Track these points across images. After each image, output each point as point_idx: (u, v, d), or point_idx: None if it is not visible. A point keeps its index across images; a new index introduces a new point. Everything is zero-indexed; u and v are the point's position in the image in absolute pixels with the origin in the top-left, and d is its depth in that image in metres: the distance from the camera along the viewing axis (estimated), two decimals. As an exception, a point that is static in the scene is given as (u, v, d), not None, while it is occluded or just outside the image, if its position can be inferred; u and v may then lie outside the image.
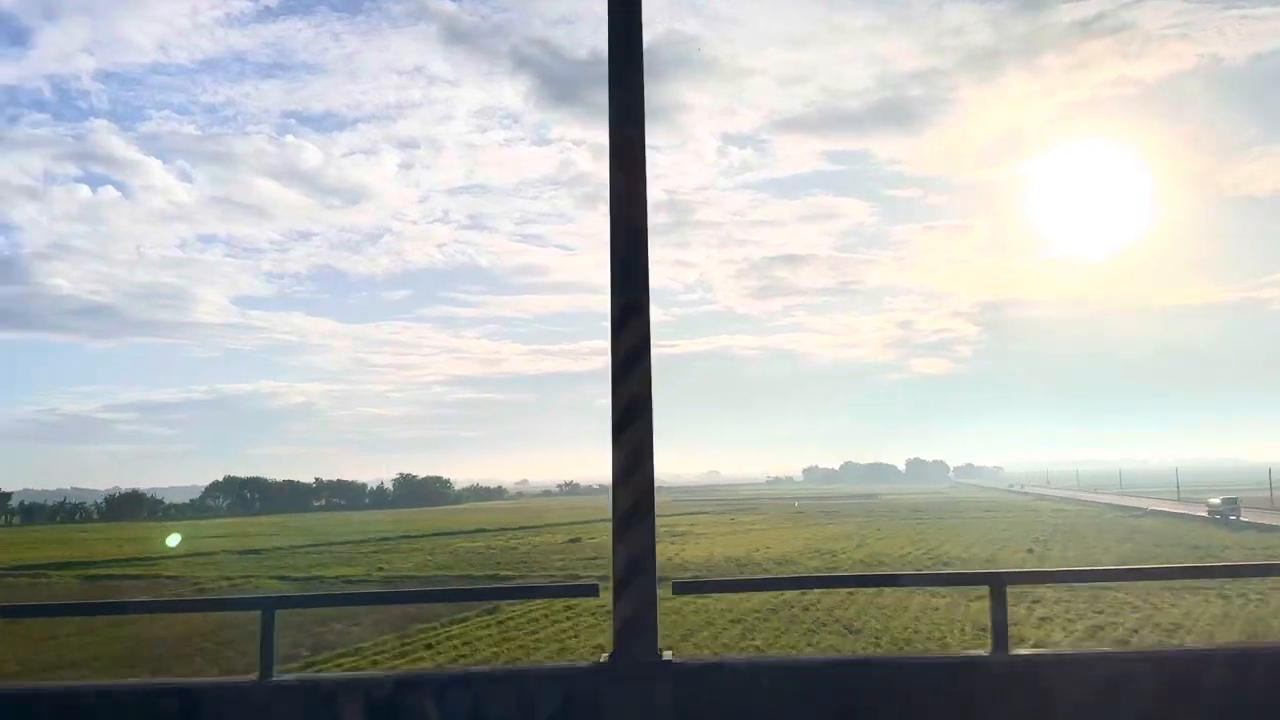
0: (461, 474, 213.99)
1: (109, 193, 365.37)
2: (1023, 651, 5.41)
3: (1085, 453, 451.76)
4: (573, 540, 76.48)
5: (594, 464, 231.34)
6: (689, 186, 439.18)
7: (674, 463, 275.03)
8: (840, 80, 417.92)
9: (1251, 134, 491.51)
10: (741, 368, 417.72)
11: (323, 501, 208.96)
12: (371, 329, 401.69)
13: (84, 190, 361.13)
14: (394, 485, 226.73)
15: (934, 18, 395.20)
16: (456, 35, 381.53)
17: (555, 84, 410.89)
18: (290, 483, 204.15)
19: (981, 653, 5.35)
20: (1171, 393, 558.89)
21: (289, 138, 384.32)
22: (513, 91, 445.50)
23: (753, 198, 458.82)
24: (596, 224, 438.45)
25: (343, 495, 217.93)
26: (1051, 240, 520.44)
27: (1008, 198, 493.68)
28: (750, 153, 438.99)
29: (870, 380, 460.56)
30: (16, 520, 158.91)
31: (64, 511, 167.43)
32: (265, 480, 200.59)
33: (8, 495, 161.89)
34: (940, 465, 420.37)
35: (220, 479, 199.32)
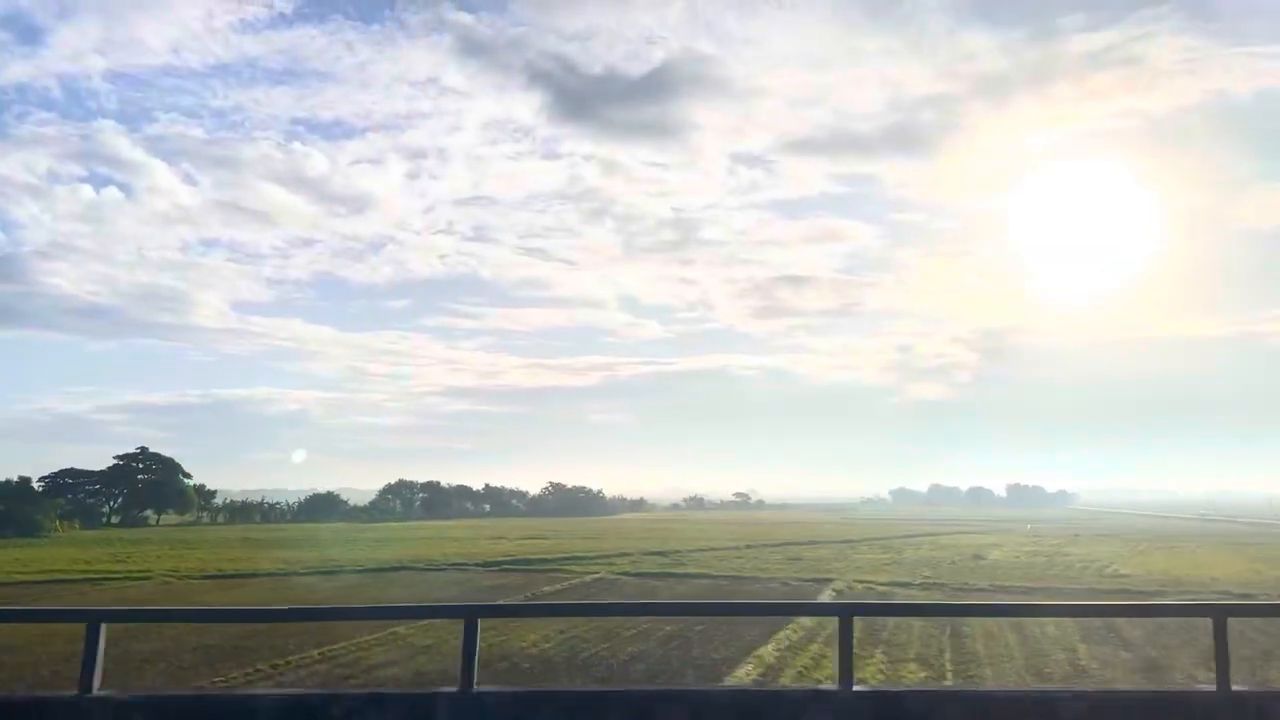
0: (453, 483, 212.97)
1: (112, 193, 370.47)
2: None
3: (1082, 482, 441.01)
4: (977, 557, 69.67)
5: (655, 480, 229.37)
6: (696, 205, 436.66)
7: (711, 482, 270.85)
8: (852, 103, 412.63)
9: (1255, 169, 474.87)
10: (739, 386, 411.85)
11: (486, 506, 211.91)
12: (370, 338, 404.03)
13: (87, 190, 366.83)
14: (544, 493, 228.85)
15: (948, 43, 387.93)
16: (472, 48, 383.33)
17: (568, 99, 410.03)
18: (462, 487, 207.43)
19: None
20: (1167, 423, 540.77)
21: (296, 144, 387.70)
22: (525, 105, 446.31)
23: (759, 217, 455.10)
24: (601, 239, 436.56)
25: (490, 501, 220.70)
26: (1053, 268, 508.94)
27: (1012, 225, 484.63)
28: (759, 173, 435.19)
29: (870, 402, 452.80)
30: (221, 519, 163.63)
31: (262, 511, 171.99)
32: (439, 485, 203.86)
33: (212, 493, 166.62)
34: (1039, 490, 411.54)
35: (393, 481, 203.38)
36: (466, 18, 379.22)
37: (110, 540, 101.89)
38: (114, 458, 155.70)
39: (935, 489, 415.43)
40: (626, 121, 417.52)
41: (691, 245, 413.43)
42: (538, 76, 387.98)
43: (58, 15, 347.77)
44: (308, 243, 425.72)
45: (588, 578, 48.26)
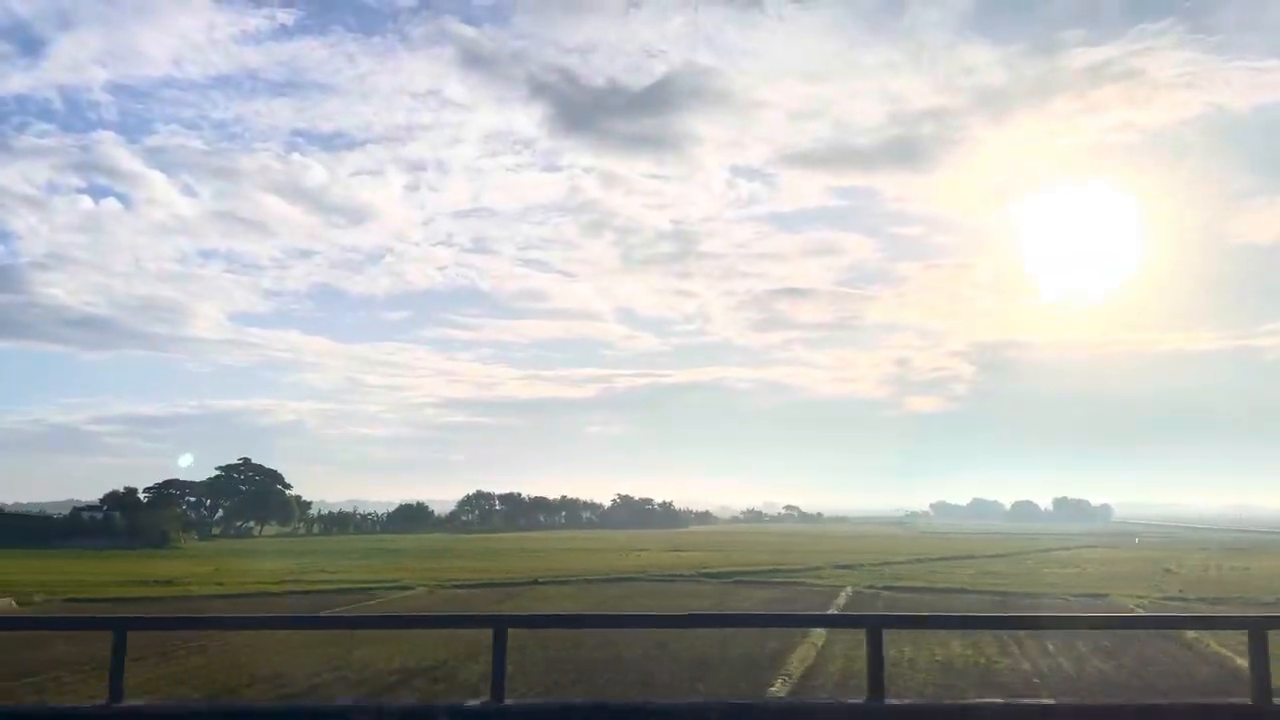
0: (449, 495, 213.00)
1: (111, 205, 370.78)
2: None
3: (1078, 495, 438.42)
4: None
5: (653, 493, 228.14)
6: (695, 217, 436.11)
7: (712, 495, 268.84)
8: (852, 116, 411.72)
9: (1254, 183, 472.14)
10: (735, 399, 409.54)
11: (561, 517, 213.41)
12: (368, 349, 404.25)
13: (86, 201, 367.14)
14: (613, 504, 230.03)
15: (948, 57, 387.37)
16: (474, 60, 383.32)
17: (569, 112, 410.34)
18: (540, 499, 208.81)
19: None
20: (1164, 438, 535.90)
21: (296, 156, 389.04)
22: (526, 118, 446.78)
23: (758, 230, 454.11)
24: (600, 251, 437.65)
25: (564, 511, 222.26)
26: (1051, 282, 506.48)
27: (1011, 238, 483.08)
28: (759, 185, 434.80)
29: (867, 416, 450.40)
30: (316, 530, 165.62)
31: (354, 522, 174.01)
32: (519, 496, 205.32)
33: (308, 504, 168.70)
34: (1084, 504, 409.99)
35: (472, 493, 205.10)
36: (469, 30, 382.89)
37: (260, 551, 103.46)
38: (216, 468, 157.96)
39: (978, 502, 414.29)
40: (627, 134, 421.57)
41: (690, 258, 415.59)
42: (539, 89, 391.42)
43: (59, 26, 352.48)
44: (306, 254, 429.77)
45: (847, 590, 49.17)
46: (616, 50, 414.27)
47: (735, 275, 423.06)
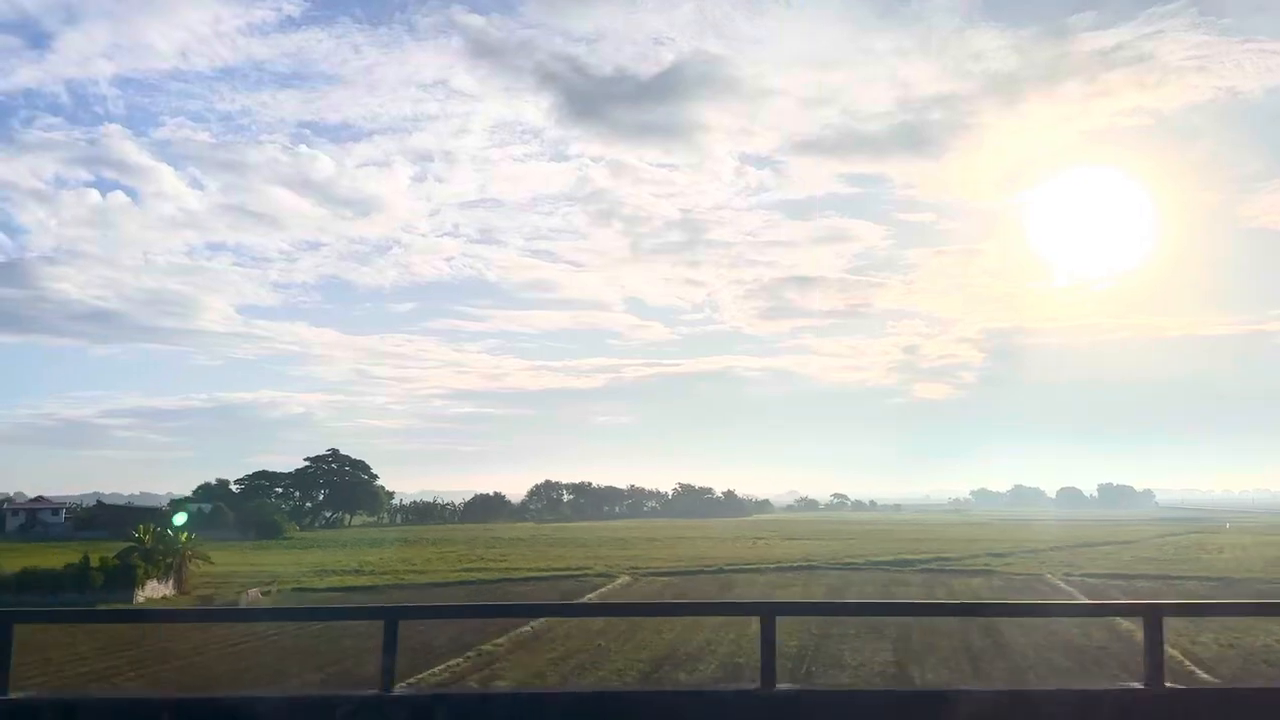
0: (459, 486, 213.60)
1: (119, 198, 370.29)
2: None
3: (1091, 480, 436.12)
4: None
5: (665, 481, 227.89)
6: (704, 206, 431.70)
7: (753, 479, 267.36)
8: (861, 103, 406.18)
9: (1266, 166, 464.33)
10: (743, 388, 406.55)
11: (622, 507, 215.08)
12: (375, 340, 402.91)
13: (94, 195, 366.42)
14: (674, 493, 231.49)
15: (958, 42, 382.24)
16: (482, 49, 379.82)
17: (578, 100, 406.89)
18: (611, 488, 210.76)
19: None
20: (1179, 423, 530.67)
21: (303, 148, 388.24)
22: (534, 107, 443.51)
23: (767, 218, 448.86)
24: (608, 241, 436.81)
25: (628, 500, 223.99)
26: (1062, 268, 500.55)
27: (1021, 224, 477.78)
28: (768, 173, 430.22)
29: (876, 404, 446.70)
30: (399, 520, 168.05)
31: (433, 512, 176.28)
32: (590, 486, 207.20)
33: (391, 494, 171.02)
34: (1128, 490, 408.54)
35: (542, 482, 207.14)
36: (477, 19, 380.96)
37: (386, 540, 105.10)
38: (304, 459, 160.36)
39: (1019, 489, 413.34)
40: (635, 123, 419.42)
41: (699, 246, 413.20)
42: (547, 78, 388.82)
43: (65, 20, 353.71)
44: (314, 246, 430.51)
45: (1055, 578, 50.26)
46: (624, 38, 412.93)
47: (744, 263, 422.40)
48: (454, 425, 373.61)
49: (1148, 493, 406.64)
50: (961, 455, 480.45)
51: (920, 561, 62.06)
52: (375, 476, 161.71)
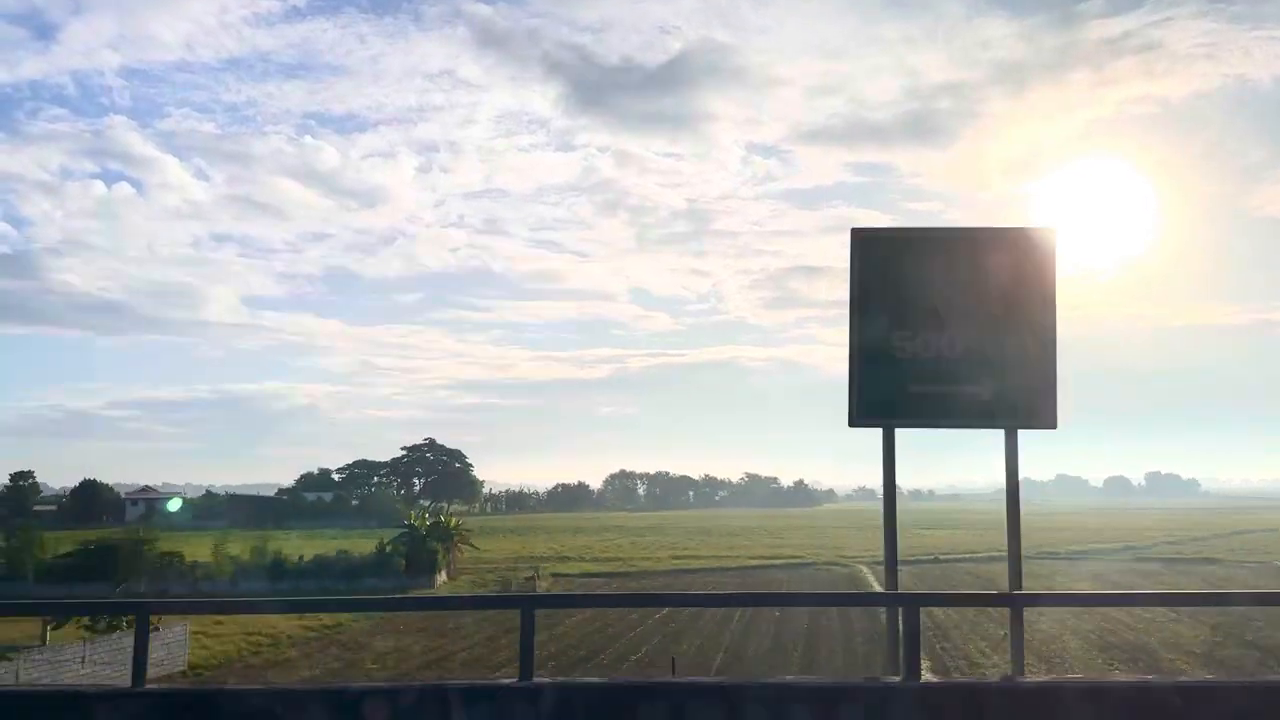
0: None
1: (124, 189, 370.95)
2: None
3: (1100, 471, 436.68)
4: None
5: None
6: (710, 195, 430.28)
7: (770, 468, 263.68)
8: (869, 91, 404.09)
9: (1273, 155, 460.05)
10: (748, 378, 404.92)
11: (692, 496, 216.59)
12: (380, 331, 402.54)
13: (99, 186, 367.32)
14: (741, 482, 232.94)
15: (966, 30, 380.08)
16: (489, 39, 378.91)
17: (584, 90, 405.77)
18: (685, 478, 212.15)
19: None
20: (1194, 413, 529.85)
21: (308, 138, 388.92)
22: (541, 97, 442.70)
23: (773, 208, 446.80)
24: (614, 231, 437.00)
25: (701, 489, 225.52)
26: (1069, 257, 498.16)
27: (1027, 213, 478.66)
28: (774, 163, 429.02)
29: None
30: (489, 509, 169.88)
31: (521, 501, 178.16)
32: (667, 475, 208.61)
33: (481, 482, 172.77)
34: (1174, 478, 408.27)
35: (617, 471, 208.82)
36: (484, 8, 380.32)
37: (527, 529, 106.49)
38: (402, 449, 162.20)
39: (1062, 478, 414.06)
40: (642, 112, 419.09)
41: (705, 237, 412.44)
42: (554, 67, 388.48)
43: (71, 11, 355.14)
44: (319, 237, 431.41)
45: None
46: (631, 28, 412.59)
47: (750, 253, 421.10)
48: (458, 416, 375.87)
49: (1193, 482, 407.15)
50: (964, 445, 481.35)
51: (1144, 547, 63.25)
52: (470, 466, 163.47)
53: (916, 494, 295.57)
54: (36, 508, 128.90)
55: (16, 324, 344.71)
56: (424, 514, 59.86)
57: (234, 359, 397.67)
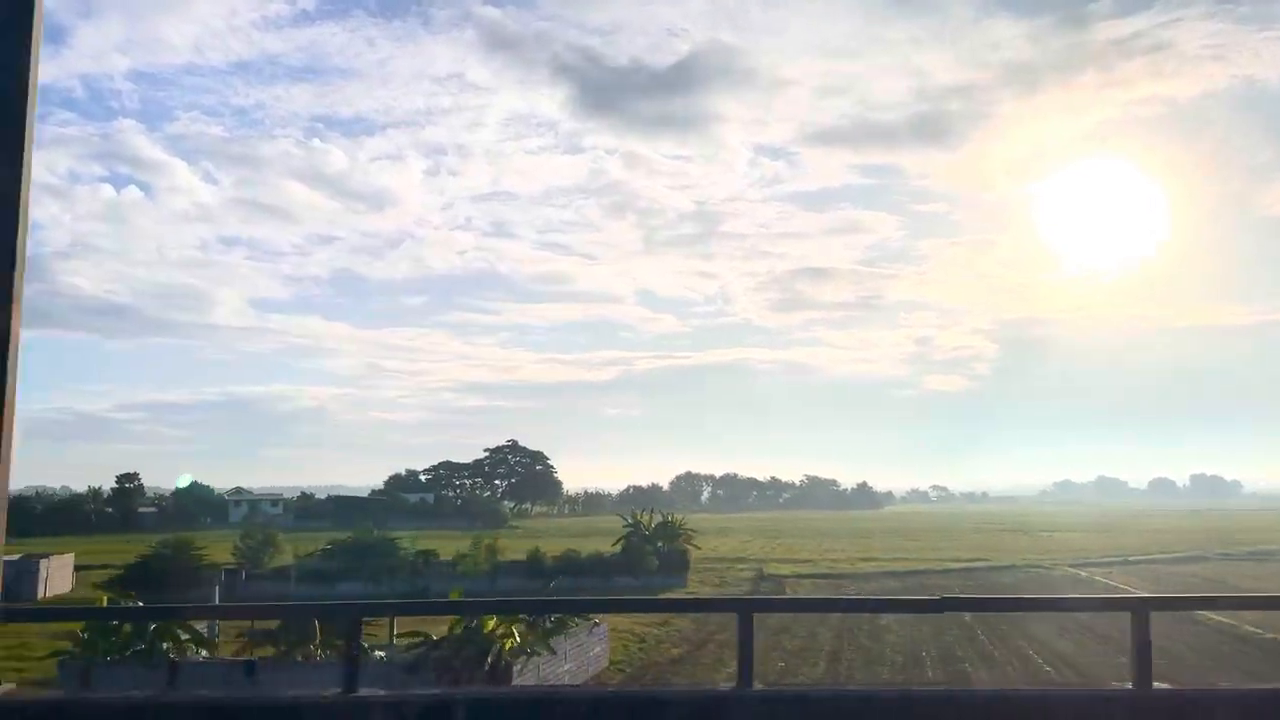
0: None
1: (133, 193, 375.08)
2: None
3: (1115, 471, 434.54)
4: None
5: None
6: (718, 197, 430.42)
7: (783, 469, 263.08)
8: (877, 93, 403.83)
9: None
10: (755, 380, 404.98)
11: (752, 498, 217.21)
12: (387, 334, 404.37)
13: (108, 190, 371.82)
14: (802, 484, 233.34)
15: (975, 31, 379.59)
16: (498, 41, 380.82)
17: (593, 92, 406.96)
18: (751, 479, 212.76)
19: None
20: (1190, 414, 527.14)
21: (316, 141, 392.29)
22: (549, 100, 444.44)
23: (780, 210, 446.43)
24: (623, 233, 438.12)
25: (765, 491, 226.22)
26: (1075, 258, 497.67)
27: (1034, 214, 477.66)
28: (782, 164, 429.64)
29: (890, 395, 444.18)
30: (578, 509, 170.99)
31: (597, 503, 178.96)
32: (736, 477, 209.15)
33: (559, 483, 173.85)
34: (1218, 480, 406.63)
35: (684, 472, 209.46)
36: (493, 11, 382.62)
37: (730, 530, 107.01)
38: (484, 450, 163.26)
39: (1103, 480, 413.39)
40: (650, 114, 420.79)
41: (712, 239, 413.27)
42: (563, 70, 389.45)
43: (81, 15, 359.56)
44: (327, 240, 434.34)
45: None
46: (639, 30, 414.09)
47: (757, 255, 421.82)
48: (464, 418, 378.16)
49: (1236, 483, 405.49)
50: (987, 447, 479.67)
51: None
52: (552, 468, 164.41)
53: (970, 496, 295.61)
54: (140, 509, 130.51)
55: (24, 327, 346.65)
56: (650, 513, 60.89)
57: (241, 361, 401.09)
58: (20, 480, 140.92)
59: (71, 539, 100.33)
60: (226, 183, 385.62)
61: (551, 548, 58.85)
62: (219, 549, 61.34)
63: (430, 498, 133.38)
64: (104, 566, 58.42)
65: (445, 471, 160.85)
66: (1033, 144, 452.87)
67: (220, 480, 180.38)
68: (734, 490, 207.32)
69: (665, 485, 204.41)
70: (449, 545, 62.63)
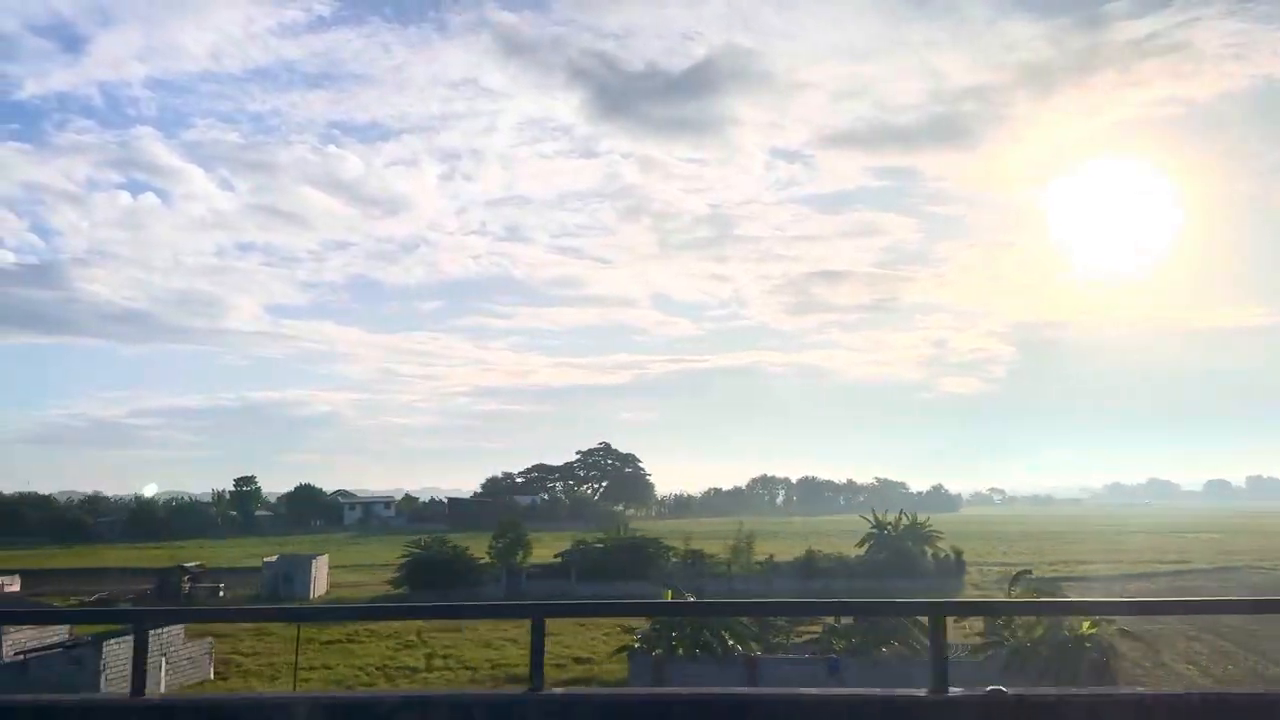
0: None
1: (150, 200, 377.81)
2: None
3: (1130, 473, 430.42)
4: None
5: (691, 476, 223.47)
6: (733, 200, 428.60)
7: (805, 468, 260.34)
8: (893, 95, 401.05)
9: None
10: (769, 383, 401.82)
11: (840, 500, 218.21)
12: (401, 339, 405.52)
13: (125, 197, 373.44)
14: (871, 487, 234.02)
15: (991, 32, 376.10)
16: (514, 46, 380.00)
17: (608, 96, 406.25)
18: (828, 481, 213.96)
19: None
20: (1207, 415, 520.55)
21: (332, 147, 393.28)
22: (565, 104, 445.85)
23: (796, 212, 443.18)
24: (637, 237, 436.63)
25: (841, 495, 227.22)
26: (1093, 260, 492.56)
27: (1051, 216, 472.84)
28: (798, 167, 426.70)
29: (904, 398, 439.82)
30: (665, 511, 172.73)
31: (688, 505, 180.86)
32: (813, 479, 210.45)
33: (652, 485, 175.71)
34: (1273, 481, 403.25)
35: (759, 474, 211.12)
36: (509, 17, 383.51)
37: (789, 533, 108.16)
38: (576, 453, 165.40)
39: (1155, 482, 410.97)
40: (666, 118, 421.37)
41: (727, 242, 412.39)
42: (578, 74, 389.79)
43: (100, 23, 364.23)
44: (342, 245, 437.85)
45: None
46: (654, 34, 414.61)
47: (771, 258, 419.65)
48: (478, 423, 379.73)
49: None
50: (998, 451, 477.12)
51: None
52: (645, 471, 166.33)
53: (1035, 499, 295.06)
54: (258, 512, 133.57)
55: (44, 334, 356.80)
56: (900, 515, 62.93)
57: (256, 367, 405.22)
58: (38, 487, 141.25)
59: (207, 542, 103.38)
60: (243, 189, 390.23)
61: (774, 549, 60.45)
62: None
63: (540, 499, 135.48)
64: (338, 566, 60.63)
65: (539, 474, 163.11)
66: (1049, 145, 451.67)
67: (218, 485, 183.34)
68: (809, 492, 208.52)
69: (743, 487, 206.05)
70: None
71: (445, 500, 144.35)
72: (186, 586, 54.88)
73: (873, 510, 67.93)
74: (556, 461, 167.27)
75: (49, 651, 31.86)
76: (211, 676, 35.08)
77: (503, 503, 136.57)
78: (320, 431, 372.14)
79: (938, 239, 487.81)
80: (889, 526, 61.38)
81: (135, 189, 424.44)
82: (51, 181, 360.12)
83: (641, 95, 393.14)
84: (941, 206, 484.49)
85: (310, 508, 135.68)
